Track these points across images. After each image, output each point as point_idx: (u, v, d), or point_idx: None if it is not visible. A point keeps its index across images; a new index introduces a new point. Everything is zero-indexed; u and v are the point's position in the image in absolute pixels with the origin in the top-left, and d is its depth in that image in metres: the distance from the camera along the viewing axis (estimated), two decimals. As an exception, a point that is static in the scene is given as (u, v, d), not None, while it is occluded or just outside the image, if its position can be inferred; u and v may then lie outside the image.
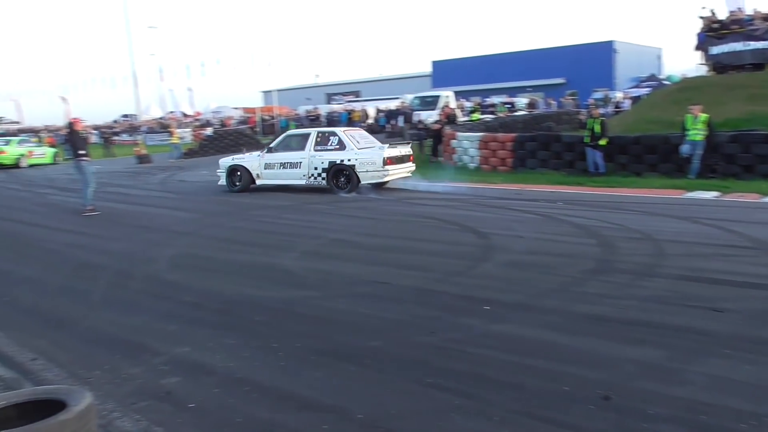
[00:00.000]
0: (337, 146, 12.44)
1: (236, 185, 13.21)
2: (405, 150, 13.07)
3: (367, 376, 3.66)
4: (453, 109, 25.42)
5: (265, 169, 13.12)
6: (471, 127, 19.89)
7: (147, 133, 40.17)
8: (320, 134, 12.86)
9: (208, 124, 39.14)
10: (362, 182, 12.13)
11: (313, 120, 39.13)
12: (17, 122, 57.49)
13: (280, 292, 5.44)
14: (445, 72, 52.54)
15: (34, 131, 46.00)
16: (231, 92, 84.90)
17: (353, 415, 3.19)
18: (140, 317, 4.93)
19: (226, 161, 13.70)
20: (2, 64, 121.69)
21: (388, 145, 13.02)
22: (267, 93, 58.14)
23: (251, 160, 13.32)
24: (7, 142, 26.14)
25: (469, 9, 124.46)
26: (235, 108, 47.59)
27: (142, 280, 6.09)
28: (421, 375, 3.61)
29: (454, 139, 16.55)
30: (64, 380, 3.74)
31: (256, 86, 41.44)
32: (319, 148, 12.57)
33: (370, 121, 39.54)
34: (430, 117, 25.08)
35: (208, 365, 3.90)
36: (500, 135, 15.82)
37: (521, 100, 38.26)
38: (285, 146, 13.12)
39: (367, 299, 5.09)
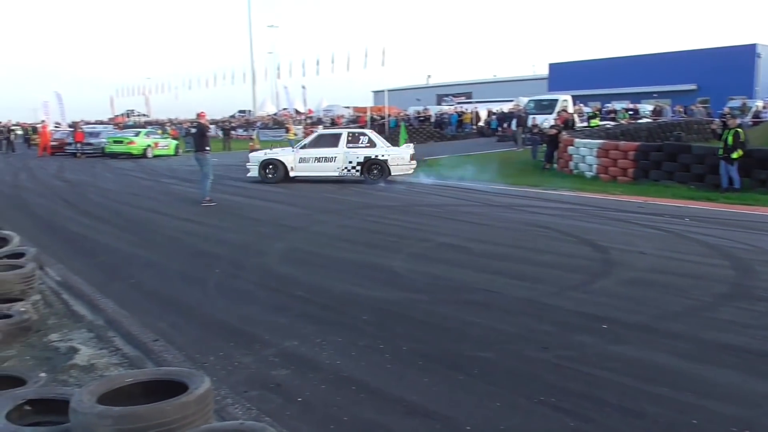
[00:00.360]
0: (368, 144, 14.97)
1: (270, 177, 14.90)
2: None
3: (476, 386, 3.60)
4: (571, 114, 24.60)
5: (299, 162, 14.98)
6: (590, 133, 19.18)
7: (261, 128, 42.07)
8: (351, 134, 15.38)
9: (319, 121, 40.29)
10: (392, 174, 14.79)
11: (422, 121, 39.24)
12: (145, 115, 62.18)
13: (387, 292, 5.49)
14: (563, 75, 50.95)
15: (159, 124, 49.54)
16: (343, 91, 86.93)
17: (461, 425, 3.15)
18: (252, 307, 5.16)
19: (258, 155, 15.59)
20: (134, 61, 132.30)
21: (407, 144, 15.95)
22: (378, 93, 59.11)
23: (286, 155, 15.26)
24: (137, 134, 28.26)
25: (590, 9, 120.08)
26: (346, 107, 48.71)
27: (253, 271, 6.37)
28: (532, 391, 3.51)
29: (571, 145, 16.02)
30: (181, 363, 3.97)
31: (367, 86, 42.33)
32: (351, 145, 14.89)
33: (481, 123, 39.12)
34: (545, 121, 24.45)
35: (315, 361, 4.00)
36: (622, 143, 15.13)
37: (645, 107, 36.40)
38: (316, 144, 15.19)
39: (477, 307, 5.02)
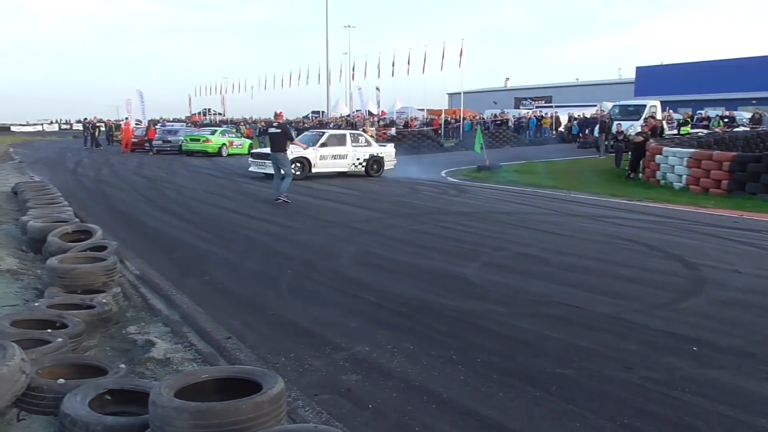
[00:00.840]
0: (366, 143, 17.68)
1: (298, 174, 15.82)
2: None
3: (554, 404, 3.51)
4: (659, 121, 23.67)
5: (320, 159, 16.79)
6: (679, 141, 18.41)
7: (333, 129, 42.71)
8: (352, 135, 18.13)
9: (392, 123, 40.47)
10: (385, 169, 17.66)
11: (499, 125, 38.83)
12: (221, 114, 64.36)
13: (461, 302, 5.44)
14: (651, 79, 49.22)
15: (234, 123, 51.14)
16: (417, 93, 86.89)
17: (538, 445, 3.07)
18: (323, 309, 5.22)
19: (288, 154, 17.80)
20: (213, 60, 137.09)
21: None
22: (453, 95, 58.87)
23: (309, 153, 16.70)
24: (213, 132, 29.33)
25: (682, 9, 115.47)
26: (420, 109, 48.70)
27: (325, 273, 6.45)
28: (615, 413, 3.38)
29: (660, 154, 15.42)
30: (253, 362, 4.06)
31: (443, 88, 41.98)
32: (354, 144, 17.37)
33: (562, 129, 38.32)
34: (631, 128, 23.67)
35: (386, 367, 4.01)
36: (716, 153, 14.43)
37: (743, 114, 34.62)
38: (330, 143, 17.06)
39: (556, 322, 4.90)
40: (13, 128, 66.67)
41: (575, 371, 3.94)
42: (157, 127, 33.48)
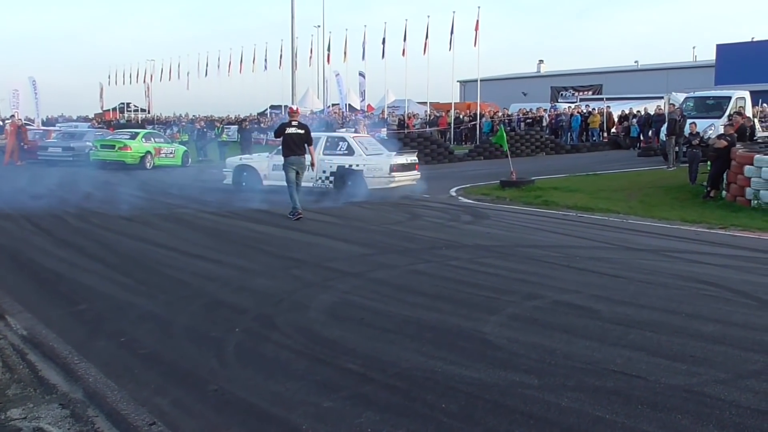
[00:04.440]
0: (346, 151, 18.37)
1: (244, 185, 18.09)
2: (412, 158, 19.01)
3: None
4: (748, 119, 24.03)
5: (273, 170, 17.85)
6: (778, 147, 18.61)
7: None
8: (329, 139, 19.09)
9: (382, 122, 40.70)
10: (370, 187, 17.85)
11: (530, 124, 39.15)
12: (144, 110, 64.65)
13: (477, 370, 5.44)
14: (738, 61, 49.86)
15: (162, 122, 51.17)
16: (417, 81, 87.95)
17: None
18: (286, 383, 5.21)
19: (234, 160, 19.75)
20: (132, 36, 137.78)
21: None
22: (466, 83, 59.56)
23: (260, 161, 18.62)
24: (133, 136, 29.47)
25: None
26: (421, 103, 49.06)
27: (289, 332, 6.45)
28: None
29: (750, 164, 15.58)
30: (187, 458, 4.03)
31: (452, 73, 42.03)
32: (327, 152, 18.16)
33: (615, 130, 38.67)
34: (711, 129, 23.95)
35: (374, 465, 3.99)
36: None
37: None
38: None
39: (609, 398, 4.91)
40: None
41: (637, 468, 3.94)
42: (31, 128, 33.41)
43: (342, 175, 17.69)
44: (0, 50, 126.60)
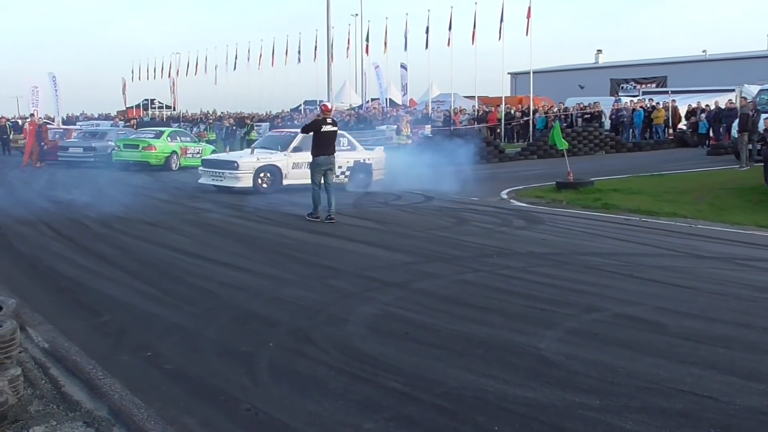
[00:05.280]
0: (348, 147, 20.23)
1: (264, 187, 19.01)
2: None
3: None
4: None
5: (293, 169, 19.27)
6: None
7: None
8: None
9: (426, 119, 40.67)
10: (374, 180, 20.64)
11: (588, 120, 38.85)
12: (169, 107, 65.32)
13: (532, 390, 5.42)
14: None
15: (189, 120, 51.62)
16: (464, 73, 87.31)
17: None
18: (323, 402, 5.22)
19: (250, 160, 20.05)
20: (158, 28, 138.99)
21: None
22: (518, 76, 59.27)
23: (279, 159, 19.57)
24: (158, 135, 29.80)
25: None
26: (469, 97, 48.96)
27: (326, 347, 6.46)
28: None
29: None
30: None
31: (502, 66, 41.74)
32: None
33: (682, 125, 38.20)
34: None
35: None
36: None
37: None
38: (305, 147, 17.88)
39: (676, 420, 4.86)
40: None
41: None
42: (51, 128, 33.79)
43: (357, 170, 19.96)
44: (18, 44, 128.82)
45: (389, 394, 5.40)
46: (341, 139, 19.00)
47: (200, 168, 20.91)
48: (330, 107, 16.17)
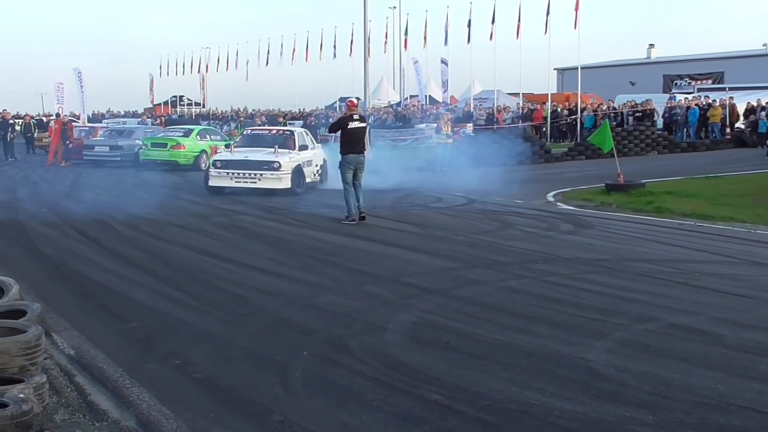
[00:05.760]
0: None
1: (298, 189, 19.42)
2: None
3: None
4: None
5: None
6: None
7: (373, 127, 43.04)
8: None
9: (468, 116, 40.60)
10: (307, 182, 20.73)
11: (639, 118, 38.53)
12: (198, 104, 65.82)
13: (581, 404, 5.38)
14: None
15: (219, 117, 51.98)
16: (508, 69, 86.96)
17: None
18: (360, 415, 5.23)
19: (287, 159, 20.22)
20: (187, 21, 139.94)
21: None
22: (565, 72, 58.97)
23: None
24: (187, 133, 30.02)
25: None
26: (513, 94, 48.80)
27: (363, 356, 6.46)
28: None
29: None
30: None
31: (548, 61, 41.57)
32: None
33: (740, 124, 37.80)
34: None
35: None
36: None
37: None
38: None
39: (737, 438, 4.79)
40: None
41: None
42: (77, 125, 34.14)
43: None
44: (43, 39, 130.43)
45: (429, 406, 5.39)
46: (306, 136, 21.44)
47: (214, 170, 19.57)
48: (356, 103, 16.22)
